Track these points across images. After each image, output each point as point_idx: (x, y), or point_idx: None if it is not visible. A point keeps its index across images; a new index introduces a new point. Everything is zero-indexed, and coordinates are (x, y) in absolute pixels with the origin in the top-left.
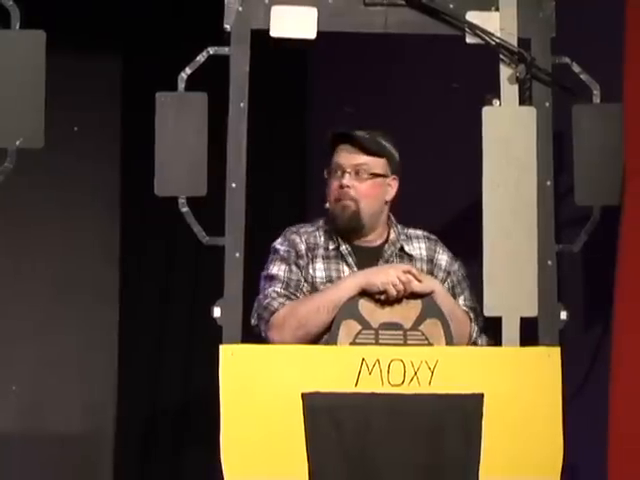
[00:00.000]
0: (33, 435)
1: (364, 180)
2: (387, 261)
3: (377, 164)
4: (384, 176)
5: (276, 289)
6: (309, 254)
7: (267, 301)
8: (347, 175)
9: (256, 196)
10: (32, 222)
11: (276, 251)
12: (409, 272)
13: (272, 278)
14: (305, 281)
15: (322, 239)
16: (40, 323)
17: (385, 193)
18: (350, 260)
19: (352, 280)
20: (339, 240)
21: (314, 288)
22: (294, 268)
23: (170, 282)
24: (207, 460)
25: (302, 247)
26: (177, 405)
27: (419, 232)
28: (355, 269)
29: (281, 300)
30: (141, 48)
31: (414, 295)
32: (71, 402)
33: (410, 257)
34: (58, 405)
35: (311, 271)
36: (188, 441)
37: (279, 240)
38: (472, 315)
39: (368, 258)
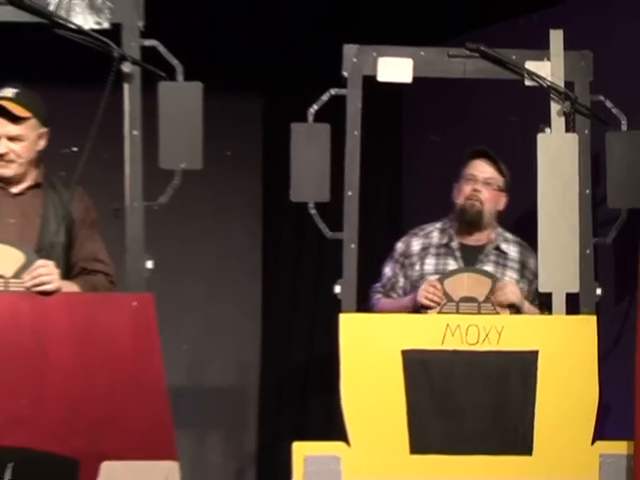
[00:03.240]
0: (197, 387)
1: (491, 190)
2: (486, 255)
3: (500, 180)
4: (502, 190)
5: (378, 286)
6: (421, 253)
7: (372, 292)
8: (479, 183)
9: (364, 201)
10: (197, 222)
11: (394, 250)
12: (433, 285)
13: (382, 274)
14: (405, 278)
15: (436, 239)
16: (203, 297)
17: (499, 203)
18: (457, 254)
19: (415, 297)
20: (452, 237)
21: (421, 277)
22: (397, 269)
23: (301, 267)
24: (329, 405)
25: (416, 248)
26: (306, 363)
27: (516, 238)
28: (461, 263)
29: (378, 296)
30: (278, 90)
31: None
32: (226, 360)
33: (505, 254)
34: (216, 363)
35: (417, 267)
36: (314, 391)
37: (402, 239)
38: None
39: (472, 254)
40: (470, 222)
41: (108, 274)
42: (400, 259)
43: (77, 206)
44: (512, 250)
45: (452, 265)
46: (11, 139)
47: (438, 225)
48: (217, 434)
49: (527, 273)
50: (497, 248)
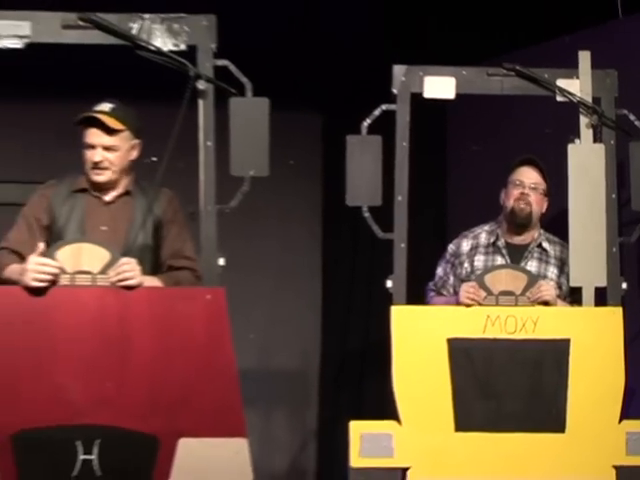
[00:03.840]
0: (265, 371)
1: (537, 194)
2: (530, 253)
3: (543, 185)
4: (546, 195)
5: (431, 284)
6: (471, 252)
7: (427, 290)
8: (527, 188)
9: (412, 205)
10: (264, 223)
11: (446, 251)
12: (472, 286)
13: (435, 274)
14: (455, 276)
15: (484, 239)
16: (269, 292)
17: (543, 206)
18: (504, 252)
19: (459, 297)
20: (498, 236)
21: (472, 273)
22: (448, 269)
23: (356, 264)
24: (382, 388)
25: (465, 248)
26: (361, 350)
27: (557, 238)
28: (507, 259)
29: (432, 294)
30: (336, 106)
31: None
32: (290, 348)
33: (547, 252)
34: (282, 350)
35: (467, 264)
36: (368, 375)
37: (454, 240)
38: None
39: (517, 252)
40: (520, 225)
41: (194, 270)
42: (451, 259)
43: (164, 207)
44: (553, 249)
45: (499, 262)
46: (106, 149)
47: (486, 227)
48: (282, 413)
49: (567, 269)
50: (539, 246)
